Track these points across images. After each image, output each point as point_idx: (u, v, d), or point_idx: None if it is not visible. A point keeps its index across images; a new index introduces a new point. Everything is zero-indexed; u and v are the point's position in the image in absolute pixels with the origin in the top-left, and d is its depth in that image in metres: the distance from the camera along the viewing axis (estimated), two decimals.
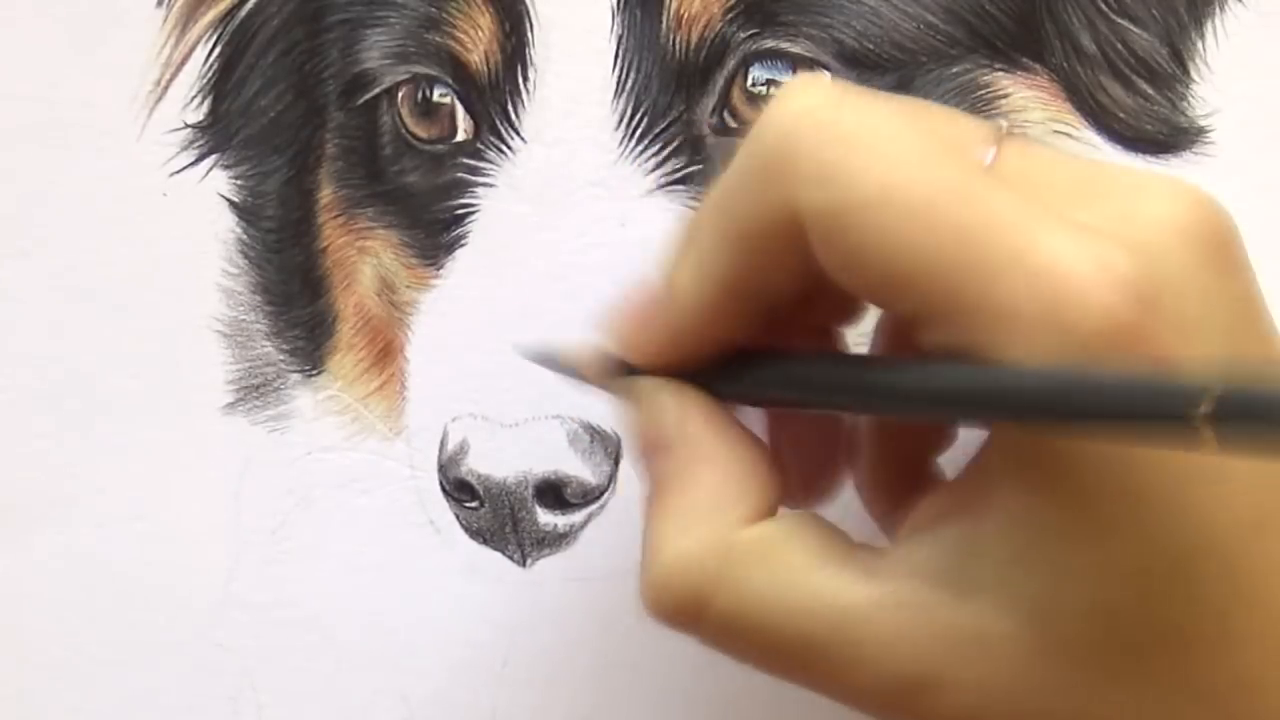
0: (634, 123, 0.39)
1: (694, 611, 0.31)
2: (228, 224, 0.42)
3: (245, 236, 0.42)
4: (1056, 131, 0.39)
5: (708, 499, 0.32)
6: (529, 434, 0.40)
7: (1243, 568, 0.28)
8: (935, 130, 0.30)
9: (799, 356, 0.33)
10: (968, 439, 0.32)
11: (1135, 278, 0.28)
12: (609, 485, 0.40)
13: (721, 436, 0.32)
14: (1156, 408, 0.25)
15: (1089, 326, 0.27)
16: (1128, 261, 0.28)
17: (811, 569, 0.31)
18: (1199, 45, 0.38)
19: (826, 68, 0.38)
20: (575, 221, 0.40)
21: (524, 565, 0.40)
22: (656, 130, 0.39)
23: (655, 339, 0.33)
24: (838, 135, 0.30)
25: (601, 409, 0.38)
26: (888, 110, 0.31)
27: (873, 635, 0.30)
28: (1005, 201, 0.29)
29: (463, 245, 0.40)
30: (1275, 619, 0.29)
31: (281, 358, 0.42)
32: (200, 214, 0.42)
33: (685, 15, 0.39)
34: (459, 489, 0.40)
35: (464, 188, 0.40)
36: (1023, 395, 0.28)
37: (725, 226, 0.31)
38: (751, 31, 0.38)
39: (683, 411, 0.33)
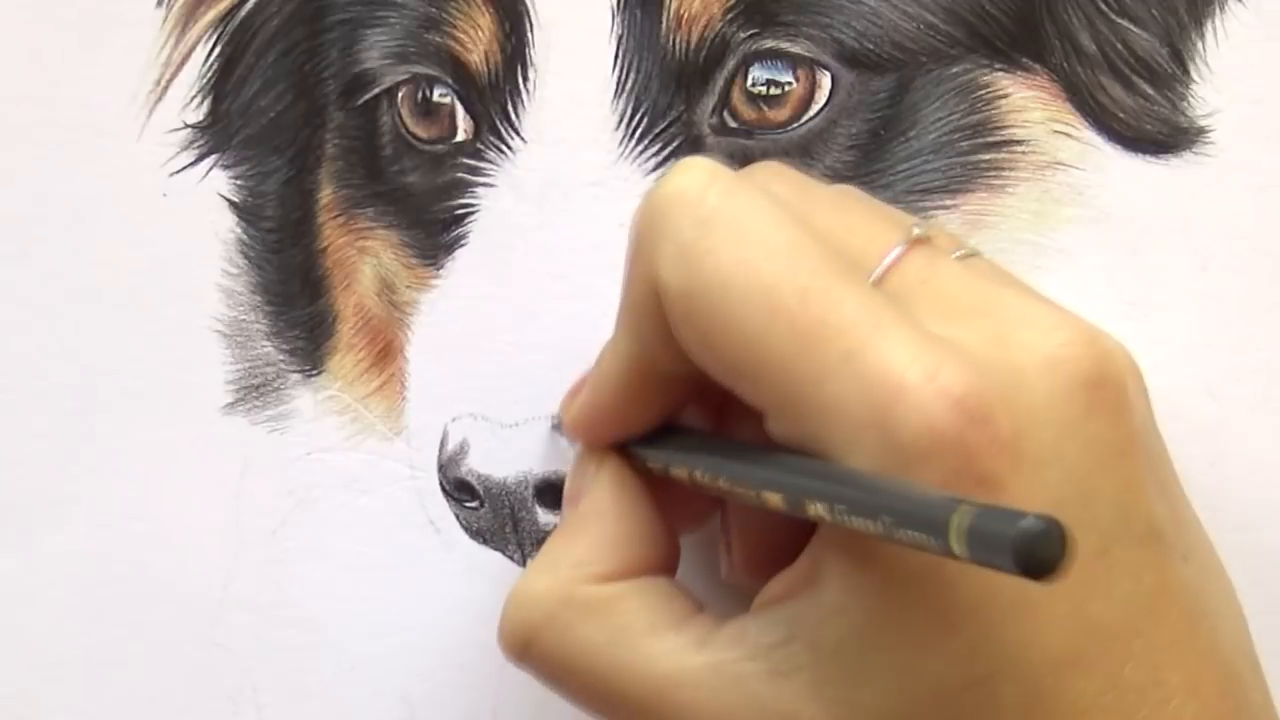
0: (634, 123, 0.39)
1: (521, 646, 0.33)
2: (228, 224, 0.42)
3: (245, 236, 0.42)
4: (1056, 131, 0.39)
5: (577, 551, 0.33)
6: (529, 434, 0.40)
7: (1046, 702, 0.28)
8: (814, 224, 0.31)
9: (695, 435, 0.35)
10: None
11: (965, 393, 0.27)
12: None
13: (617, 500, 0.34)
14: (916, 521, 0.26)
15: (907, 435, 0.27)
16: (961, 376, 0.28)
17: (646, 631, 0.32)
18: (1199, 45, 0.38)
19: (826, 67, 0.38)
20: (575, 221, 0.40)
21: (524, 565, 0.40)
22: (656, 130, 0.39)
23: (579, 413, 0.35)
24: (699, 217, 0.30)
25: None
26: (757, 198, 0.31)
27: (691, 702, 0.30)
28: (853, 303, 0.29)
29: (463, 245, 0.40)
30: None
31: (281, 358, 0.42)
32: (200, 214, 0.42)
33: (685, 15, 0.39)
34: (459, 489, 0.40)
35: (464, 188, 0.40)
36: (806, 489, 0.28)
37: (621, 303, 0.33)
38: (751, 31, 0.38)
39: (594, 474, 0.35)
